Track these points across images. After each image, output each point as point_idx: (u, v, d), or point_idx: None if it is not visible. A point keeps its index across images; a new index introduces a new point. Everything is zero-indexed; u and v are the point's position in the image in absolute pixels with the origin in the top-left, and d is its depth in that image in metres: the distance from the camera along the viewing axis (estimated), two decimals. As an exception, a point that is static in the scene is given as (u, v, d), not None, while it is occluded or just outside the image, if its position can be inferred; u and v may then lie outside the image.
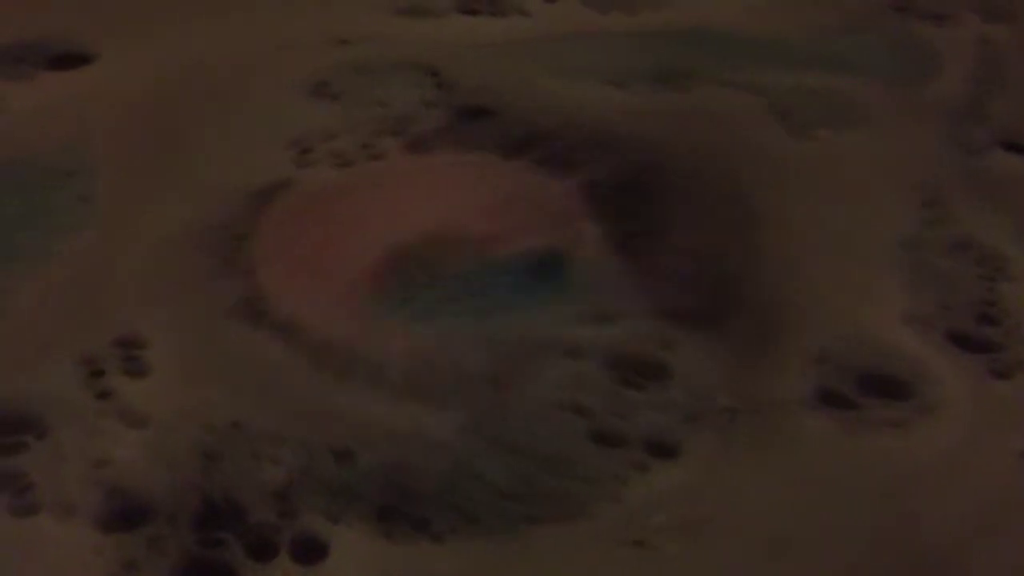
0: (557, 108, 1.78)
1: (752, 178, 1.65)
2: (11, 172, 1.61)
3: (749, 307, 1.44)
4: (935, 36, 2.08)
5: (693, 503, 1.19)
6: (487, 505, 1.18)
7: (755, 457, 1.24)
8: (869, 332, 1.39)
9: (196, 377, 1.30)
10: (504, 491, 1.19)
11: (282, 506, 1.16)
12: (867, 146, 1.77)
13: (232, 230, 1.52)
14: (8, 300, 1.39)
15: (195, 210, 1.54)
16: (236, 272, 1.45)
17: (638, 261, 1.49)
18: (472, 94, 1.82)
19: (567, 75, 1.89)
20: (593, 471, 1.22)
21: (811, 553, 1.15)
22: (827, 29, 2.10)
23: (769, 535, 1.16)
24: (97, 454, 1.21)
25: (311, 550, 1.13)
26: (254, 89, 1.82)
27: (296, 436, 1.23)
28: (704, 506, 1.19)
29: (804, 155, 1.72)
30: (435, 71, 1.88)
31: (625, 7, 2.13)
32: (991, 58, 2.02)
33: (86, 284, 1.43)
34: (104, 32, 1.94)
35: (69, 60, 1.90)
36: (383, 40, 1.97)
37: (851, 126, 1.81)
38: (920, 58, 2.02)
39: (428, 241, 1.49)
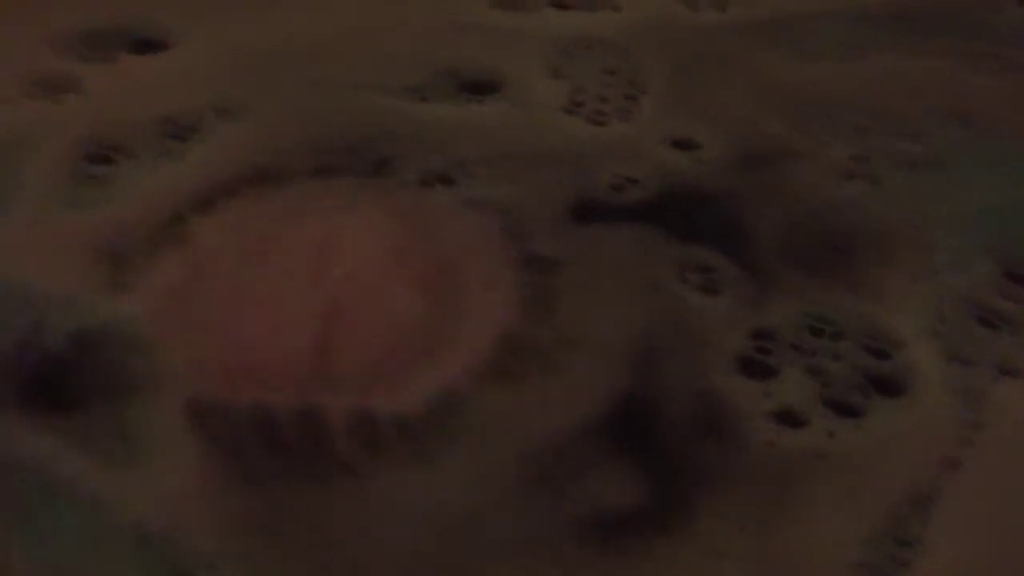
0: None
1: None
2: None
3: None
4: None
5: None
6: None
7: None
8: None
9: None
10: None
11: None
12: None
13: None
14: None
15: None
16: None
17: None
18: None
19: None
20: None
21: None
22: (954, 7, 2.04)
23: None
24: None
25: None
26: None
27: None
28: None
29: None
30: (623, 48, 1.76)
31: (715, 3, 2.03)
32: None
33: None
34: (185, 19, 1.85)
35: (149, 46, 1.83)
36: (502, 30, 1.82)
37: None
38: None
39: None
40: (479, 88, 1.64)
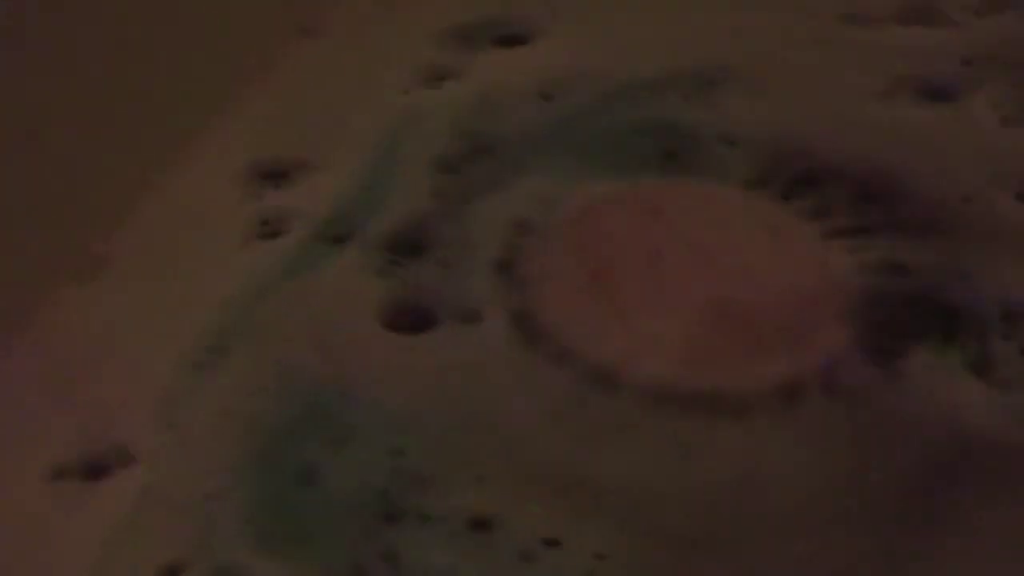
0: None
1: None
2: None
3: None
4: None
5: None
6: None
7: None
8: None
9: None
10: None
11: None
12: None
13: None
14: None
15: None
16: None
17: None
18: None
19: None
20: None
21: None
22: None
23: None
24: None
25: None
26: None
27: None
28: None
29: None
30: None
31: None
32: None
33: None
34: (546, 14, 1.95)
35: (514, 39, 1.92)
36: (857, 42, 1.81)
37: None
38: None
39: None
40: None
